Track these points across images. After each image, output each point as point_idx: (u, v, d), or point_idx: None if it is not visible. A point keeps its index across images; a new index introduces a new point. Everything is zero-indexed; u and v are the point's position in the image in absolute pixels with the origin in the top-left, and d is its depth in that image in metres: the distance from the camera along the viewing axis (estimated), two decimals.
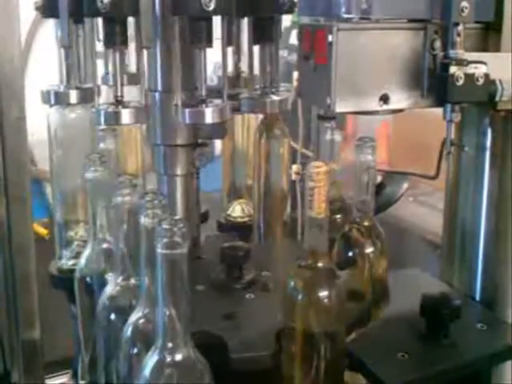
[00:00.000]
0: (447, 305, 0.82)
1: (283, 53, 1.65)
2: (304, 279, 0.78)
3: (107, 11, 0.79)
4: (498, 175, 0.90)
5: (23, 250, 1.10)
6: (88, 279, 0.90)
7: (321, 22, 0.82)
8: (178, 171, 0.93)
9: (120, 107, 0.88)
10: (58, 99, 1.04)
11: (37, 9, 0.98)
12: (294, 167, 1.54)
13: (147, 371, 0.66)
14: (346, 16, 0.76)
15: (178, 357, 0.66)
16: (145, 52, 0.91)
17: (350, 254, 0.91)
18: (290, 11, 0.88)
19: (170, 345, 0.65)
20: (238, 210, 1.31)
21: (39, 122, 1.15)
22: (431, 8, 0.76)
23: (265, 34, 0.89)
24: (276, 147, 1.20)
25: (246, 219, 1.28)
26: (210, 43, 0.82)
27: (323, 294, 0.76)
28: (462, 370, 0.82)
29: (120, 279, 0.80)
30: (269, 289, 0.97)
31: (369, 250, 0.90)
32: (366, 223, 0.91)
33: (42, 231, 1.53)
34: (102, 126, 0.97)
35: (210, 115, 0.84)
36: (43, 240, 1.47)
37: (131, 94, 0.99)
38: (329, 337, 0.77)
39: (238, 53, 1.05)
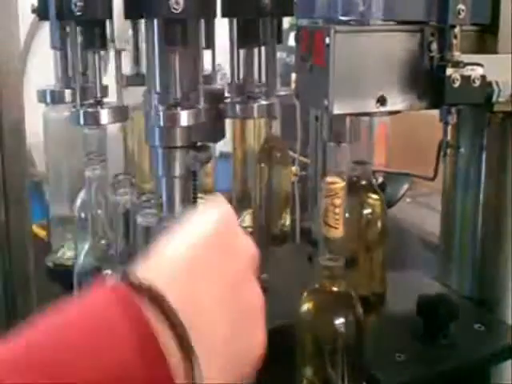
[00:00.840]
0: (444, 305, 0.83)
1: (282, 54, 1.65)
2: (319, 303, 0.76)
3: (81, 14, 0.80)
4: (495, 176, 0.91)
5: (22, 251, 1.10)
6: (86, 275, 0.91)
7: (319, 24, 0.83)
8: (176, 173, 0.93)
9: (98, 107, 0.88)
10: (54, 98, 1.05)
11: (33, 11, 0.98)
12: (293, 169, 1.54)
13: None
14: (343, 18, 0.77)
15: None
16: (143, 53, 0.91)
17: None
18: (288, 14, 0.89)
19: None
20: (247, 220, 1.31)
21: (38, 124, 1.15)
22: (428, 10, 0.77)
23: (251, 36, 0.89)
24: (277, 175, 1.21)
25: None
26: (185, 45, 0.82)
27: (339, 321, 0.74)
28: (460, 370, 0.82)
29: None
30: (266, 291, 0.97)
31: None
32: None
33: (41, 232, 1.52)
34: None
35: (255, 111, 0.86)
36: (42, 241, 1.46)
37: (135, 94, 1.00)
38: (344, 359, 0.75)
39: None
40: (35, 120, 1.14)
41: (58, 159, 1.14)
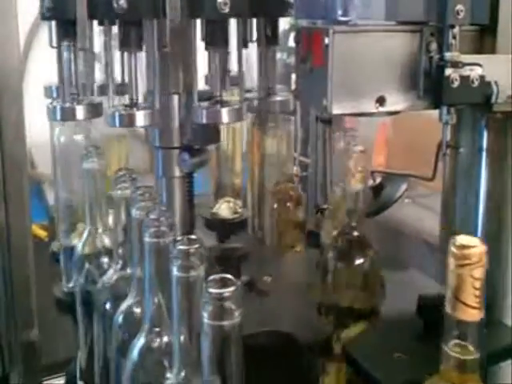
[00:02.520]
0: (443, 305, 0.83)
1: (282, 55, 1.65)
2: None
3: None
4: (495, 176, 0.90)
5: (22, 252, 1.10)
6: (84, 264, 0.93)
7: (318, 24, 0.83)
8: (176, 173, 0.93)
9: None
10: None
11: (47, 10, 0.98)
12: (294, 170, 1.54)
13: (134, 354, 0.69)
14: (342, 19, 0.77)
15: (164, 340, 0.68)
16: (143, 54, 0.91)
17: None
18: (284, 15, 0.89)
19: (156, 330, 0.68)
20: (224, 208, 1.32)
21: (38, 125, 1.15)
22: (427, 11, 0.77)
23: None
24: (271, 145, 1.21)
25: (233, 216, 1.30)
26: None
27: None
28: None
29: (117, 268, 0.82)
30: (266, 291, 0.97)
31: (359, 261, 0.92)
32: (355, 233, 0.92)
33: (41, 233, 1.53)
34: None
35: (225, 115, 0.84)
36: (42, 242, 1.47)
37: None
38: None
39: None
40: (35, 121, 1.14)
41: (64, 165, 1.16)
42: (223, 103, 0.84)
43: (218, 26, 0.81)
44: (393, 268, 0.99)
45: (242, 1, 0.79)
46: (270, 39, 0.90)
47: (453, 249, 0.54)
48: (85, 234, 0.95)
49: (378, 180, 1.21)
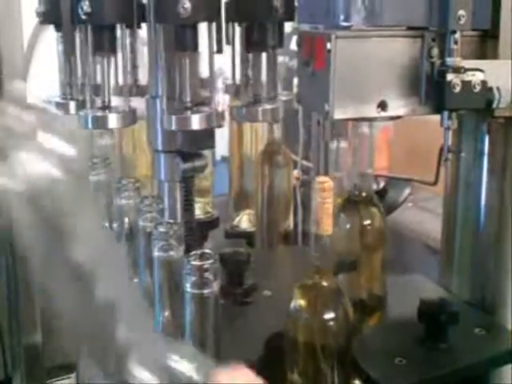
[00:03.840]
0: (445, 310, 0.83)
1: (284, 59, 1.66)
2: (309, 299, 0.77)
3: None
4: (496, 181, 0.91)
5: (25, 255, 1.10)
6: None
7: (320, 29, 0.83)
8: (178, 177, 0.93)
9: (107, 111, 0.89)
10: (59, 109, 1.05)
11: (37, 15, 0.99)
12: (295, 173, 1.54)
13: None
14: (344, 24, 0.77)
15: None
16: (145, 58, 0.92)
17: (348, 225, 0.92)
18: (288, 19, 0.89)
19: None
20: (244, 221, 1.32)
21: None
22: (429, 16, 0.77)
23: (258, 41, 0.89)
24: (279, 176, 1.23)
25: (252, 229, 1.29)
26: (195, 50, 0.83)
27: (329, 315, 0.76)
28: (460, 374, 0.82)
29: None
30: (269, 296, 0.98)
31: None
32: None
33: None
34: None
35: (196, 121, 0.84)
36: None
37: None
38: (334, 353, 0.77)
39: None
40: None
41: None
42: (193, 109, 0.85)
43: (184, 30, 0.82)
44: (395, 271, 0.99)
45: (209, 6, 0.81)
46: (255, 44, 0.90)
47: (314, 184, 0.72)
48: None
49: (382, 184, 1.21)
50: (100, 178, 0.90)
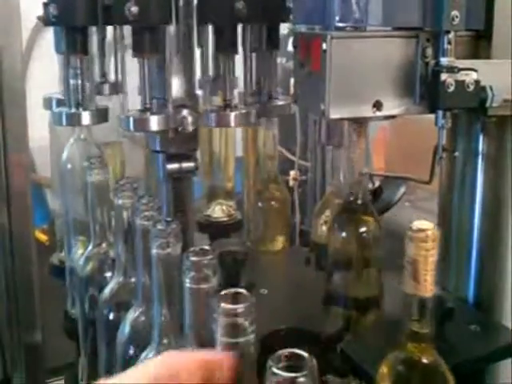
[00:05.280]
0: (440, 307, 0.83)
1: (281, 60, 1.66)
2: (406, 375, 0.68)
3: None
4: (491, 180, 0.91)
5: (25, 255, 1.11)
6: (89, 279, 0.92)
7: (316, 30, 0.84)
8: (164, 177, 0.94)
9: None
10: (59, 106, 1.05)
11: (38, 18, 1.00)
12: (292, 173, 1.55)
13: None
14: (339, 25, 0.78)
15: None
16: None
17: (344, 234, 0.92)
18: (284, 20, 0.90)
19: (165, 342, 0.67)
20: (218, 211, 1.33)
21: (39, 129, 1.16)
22: (423, 17, 0.78)
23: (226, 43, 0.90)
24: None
25: (226, 219, 1.31)
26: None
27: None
28: (456, 371, 0.83)
29: (120, 279, 0.82)
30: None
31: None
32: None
33: (42, 237, 1.54)
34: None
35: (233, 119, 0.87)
36: (44, 246, 1.47)
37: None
38: None
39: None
40: (37, 125, 1.15)
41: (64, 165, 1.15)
42: (152, 111, 0.87)
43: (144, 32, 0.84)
44: (391, 270, 1.00)
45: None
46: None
47: (410, 233, 0.60)
48: (88, 249, 0.94)
49: (377, 183, 1.22)
50: (97, 178, 0.91)
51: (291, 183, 1.53)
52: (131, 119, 0.85)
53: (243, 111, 0.90)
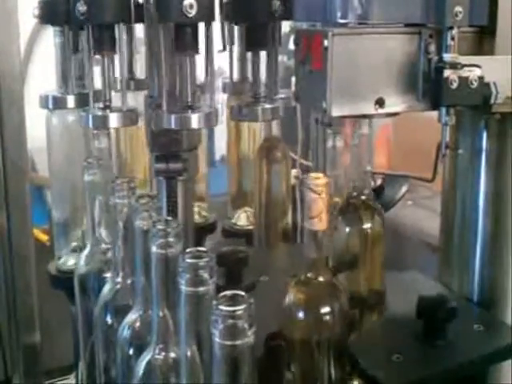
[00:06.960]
0: (443, 306, 0.83)
1: (283, 58, 1.66)
2: (303, 294, 0.78)
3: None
4: (494, 177, 0.91)
5: (23, 256, 1.11)
6: (87, 279, 0.92)
7: (317, 27, 0.83)
8: (153, 177, 0.94)
9: (108, 111, 0.90)
10: (56, 104, 1.05)
11: (35, 16, 0.99)
12: (294, 172, 1.55)
13: (141, 370, 0.68)
14: (341, 21, 0.77)
15: (171, 356, 0.67)
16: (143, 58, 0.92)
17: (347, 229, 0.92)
18: (285, 18, 0.89)
19: (163, 345, 0.66)
20: (243, 218, 1.32)
21: (39, 129, 1.16)
22: (426, 12, 0.77)
23: (258, 40, 0.90)
24: (277, 170, 1.23)
25: (251, 227, 1.29)
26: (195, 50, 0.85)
27: (324, 310, 0.77)
28: (459, 371, 0.82)
29: (119, 279, 0.81)
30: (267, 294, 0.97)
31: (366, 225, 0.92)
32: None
33: (43, 237, 1.53)
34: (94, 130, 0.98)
35: (196, 121, 0.85)
36: (44, 246, 1.47)
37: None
38: (330, 349, 0.78)
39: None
40: (36, 125, 1.14)
41: (61, 164, 1.14)
42: (112, 109, 0.89)
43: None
44: (393, 269, 0.99)
45: None
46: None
47: (308, 180, 0.74)
48: (86, 251, 0.94)
49: (379, 181, 1.21)
50: (95, 178, 0.90)
51: (292, 182, 1.53)
52: (90, 116, 0.87)
53: (273, 105, 0.91)
